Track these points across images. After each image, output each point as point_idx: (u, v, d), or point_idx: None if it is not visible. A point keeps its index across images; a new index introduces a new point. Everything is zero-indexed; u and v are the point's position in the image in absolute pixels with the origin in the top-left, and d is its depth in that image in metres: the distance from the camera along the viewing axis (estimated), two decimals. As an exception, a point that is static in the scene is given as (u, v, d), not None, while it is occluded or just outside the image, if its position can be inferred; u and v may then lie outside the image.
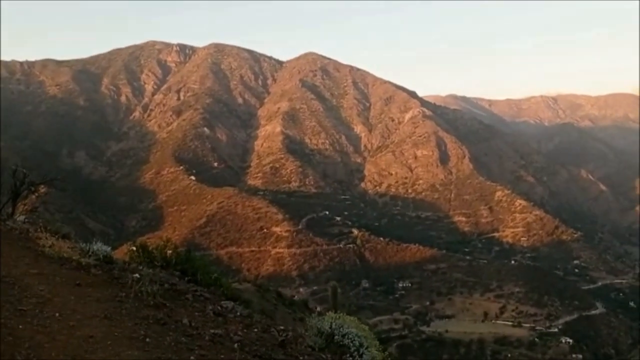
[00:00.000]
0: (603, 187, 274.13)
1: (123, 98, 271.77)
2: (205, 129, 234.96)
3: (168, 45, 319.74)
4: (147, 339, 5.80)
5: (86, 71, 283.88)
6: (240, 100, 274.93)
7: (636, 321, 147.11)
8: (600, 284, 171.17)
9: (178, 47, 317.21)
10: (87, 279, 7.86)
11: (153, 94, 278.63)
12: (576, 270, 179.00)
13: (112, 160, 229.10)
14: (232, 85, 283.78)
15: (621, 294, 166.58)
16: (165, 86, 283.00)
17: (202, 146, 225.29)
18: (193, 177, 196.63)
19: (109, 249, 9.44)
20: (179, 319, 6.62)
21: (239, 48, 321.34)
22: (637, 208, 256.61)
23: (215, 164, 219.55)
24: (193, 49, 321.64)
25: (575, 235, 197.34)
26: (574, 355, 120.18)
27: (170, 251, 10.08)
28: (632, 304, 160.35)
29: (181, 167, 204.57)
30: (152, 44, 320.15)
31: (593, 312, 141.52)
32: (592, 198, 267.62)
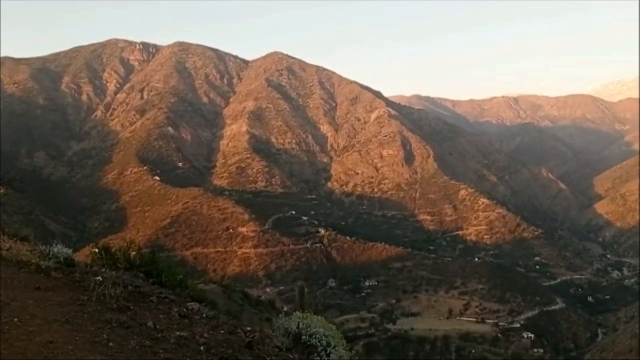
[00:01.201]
0: (562, 186, 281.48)
1: (85, 97, 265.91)
2: (170, 128, 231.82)
3: (131, 43, 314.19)
4: (111, 344, 5.67)
5: (46, 69, 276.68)
6: (205, 99, 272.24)
7: (594, 316, 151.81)
8: (560, 280, 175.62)
9: (141, 46, 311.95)
10: (47, 282, 7.64)
11: (116, 93, 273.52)
12: (537, 267, 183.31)
13: (74, 161, 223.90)
14: (197, 85, 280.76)
15: (580, 290, 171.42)
16: (128, 85, 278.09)
17: (166, 146, 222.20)
18: (157, 178, 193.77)
19: (71, 251, 9.21)
20: (143, 322, 6.50)
21: (204, 47, 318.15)
22: (595, 206, 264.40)
23: (180, 164, 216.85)
24: (157, 48, 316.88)
25: (536, 233, 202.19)
26: (535, 350, 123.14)
27: (134, 253, 9.89)
28: (590, 299, 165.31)
29: (145, 168, 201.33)
30: (114, 42, 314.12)
31: (553, 307, 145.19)
32: (552, 196, 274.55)
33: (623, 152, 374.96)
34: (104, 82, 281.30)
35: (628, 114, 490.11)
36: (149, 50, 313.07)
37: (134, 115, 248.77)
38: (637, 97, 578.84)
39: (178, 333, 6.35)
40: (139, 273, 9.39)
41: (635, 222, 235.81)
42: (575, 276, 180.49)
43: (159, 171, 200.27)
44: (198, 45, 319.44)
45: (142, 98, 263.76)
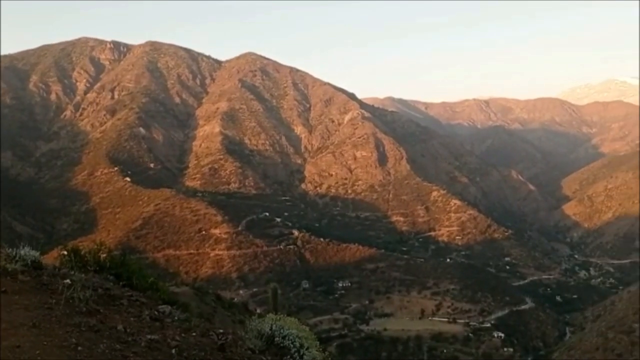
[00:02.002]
0: (532, 187, 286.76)
1: (53, 96, 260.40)
2: (141, 129, 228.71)
3: (101, 42, 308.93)
4: (79, 347, 5.57)
5: (13, 68, 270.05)
6: (177, 99, 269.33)
7: (562, 314, 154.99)
8: (529, 279, 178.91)
9: (112, 45, 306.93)
10: (14, 286, 7.46)
11: (85, 93, 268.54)
12: (507, 267, 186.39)
13: (42, 161, 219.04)
14: (169, 85, 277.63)
15: (548, 289, 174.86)
16: (98, 84, 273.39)
17: (137, 147, 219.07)
18: (128, 179, 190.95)
19: (38, 253, 9.01)
20: (113, 325, 6.40)
21: (176, 47, 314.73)
22: (563, 207, 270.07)
23: (152, 165, 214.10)
24: (128, 47, 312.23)
25: (506, 234, 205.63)
26: (505, 349, 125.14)
27: (103, 255, 9.72)
28: (558, 298, 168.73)
29: (116, 168, 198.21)
30: (84, 41, 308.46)
31: (523, 307, 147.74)
32: (521, 198, 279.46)
33: (590, 155, 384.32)
34: (74, 81, 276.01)
35: (594, 117, 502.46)
36: (120, 49, 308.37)
37: (104, 115, 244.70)
38: (603, 100, 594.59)
39: (149, 336, 6.27)
40: (109, 275, 9.24)
41: (602, 223, 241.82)
42: (543, 276, 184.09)
43: (129, 172, 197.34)
44: (170, 45, 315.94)
45: (112, 98, 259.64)
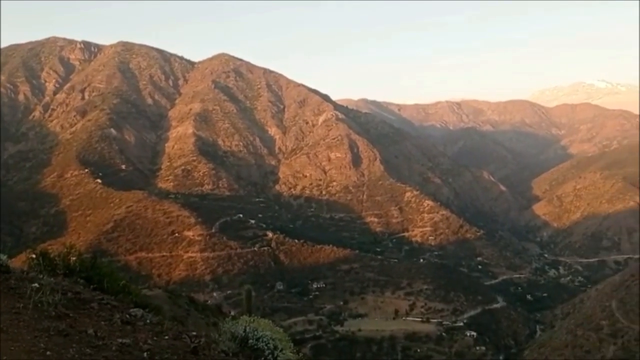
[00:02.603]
0: (503, 188, 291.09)
1: (21, 97, 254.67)
2: (112, 130, 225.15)
3: (71, 42, 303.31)
4: (48, 352, 5.47)
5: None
6: (149, 100, 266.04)
7: (533, 313, 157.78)
8: (500, 279, 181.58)
9: (82, 45, 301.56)
10: (-20, 290, 7.29)
11: (55, 93, 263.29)
12: (479, 267, 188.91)
13: (9, 163, 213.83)
14: (141, 86, 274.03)
15: (519, 288, 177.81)
16: (68, 85, 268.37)
17: (108, 148, 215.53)
18: (99, 181, 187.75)
19: (6, 257, 8.82)
20: (83, 330, 6.30)
21: (148, 47, 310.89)
22: (533, 207, 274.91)
23: (123, 167, 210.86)
24: (99, 47, 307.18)
25: (478, 234, 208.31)
26: (477, 348, 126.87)
27: (73, 258, 9.56)
28: (529, 297, 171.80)
29: (86, 170, 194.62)
30: (53, 41, 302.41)
31: (494, 305, 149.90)
32: (493, 198, 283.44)
33: (559, 156, 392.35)
34: (42, 81, 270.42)
35: (563, 118, 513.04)
36: (91, 49, 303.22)
37: (74, 116, 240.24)
38: (572, 102, 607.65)
39: (120, 340, 6.19)
40: (79, 279, 9.10)
41: (570, 223, 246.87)
42: (514, 275, 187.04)
43: (100, 174, 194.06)
44: (142, 45, 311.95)
45: (82, 98, 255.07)
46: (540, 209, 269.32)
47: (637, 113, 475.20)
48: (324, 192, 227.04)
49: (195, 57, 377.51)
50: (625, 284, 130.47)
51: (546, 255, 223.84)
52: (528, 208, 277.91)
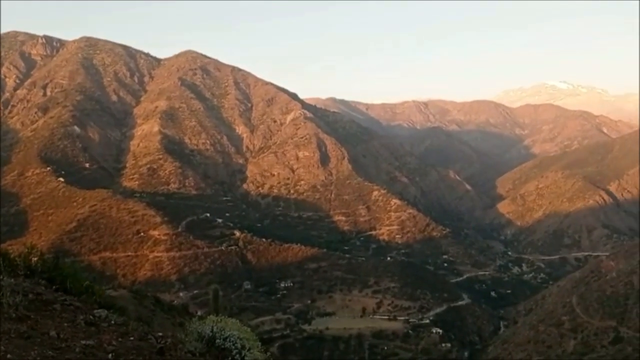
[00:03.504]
0: (468, 187, 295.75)
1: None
2: (76, 127, 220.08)
3: (33, 36, 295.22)
4: (9, 355, 5.33)
5: None
6: (114, 97, 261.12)
7: (497, 309, 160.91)
8: (466, 276, 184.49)
9: (44, 40, 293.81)
10: (-64, 292, 7.05)
11: (15, 89, 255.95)
12: (445, 265, 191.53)
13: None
14: (105, 82, 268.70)
15: (484, 285, 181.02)
16: (29, 81, 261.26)
17: (71, 146, 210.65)
18: (62, 179, 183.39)
19: (-37, 258, 8.55)
20: (45, 332, 6.16)
21: (112, 43, 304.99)
22: (498, 206, 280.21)
23: (87, 165, 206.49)
24: (61, 42, 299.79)
25: (444, 232, 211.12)
26: (443, 345, 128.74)
27: (35, 258, 9.33)
28: (493, 293, 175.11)
29: (48, 168, 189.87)
30: (13, 35, 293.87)
31: (460, 303, 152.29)
32: (458, 197, 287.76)
33: (522, 155, 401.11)
34: (2, 77, 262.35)
35: (526, 119, 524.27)
36: (53, 44, 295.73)
37: (36, 112, 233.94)
38: (535, 103, 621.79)
39: (83, 342, 6.08)
40: (41, 280, 8.88)
41: (533, 221, 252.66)
42: (479, 272, 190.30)
43: (63, 172, 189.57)
44: (106, 41, 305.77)
45: (44, 95, 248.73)
46: (504, 208, 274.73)
47: (597, 114, 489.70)
48: (292, 191, 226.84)
49: (161, 54, 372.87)
50: (585, 280, 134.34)
51: (510, 253, 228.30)
52: (492, 207, 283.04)
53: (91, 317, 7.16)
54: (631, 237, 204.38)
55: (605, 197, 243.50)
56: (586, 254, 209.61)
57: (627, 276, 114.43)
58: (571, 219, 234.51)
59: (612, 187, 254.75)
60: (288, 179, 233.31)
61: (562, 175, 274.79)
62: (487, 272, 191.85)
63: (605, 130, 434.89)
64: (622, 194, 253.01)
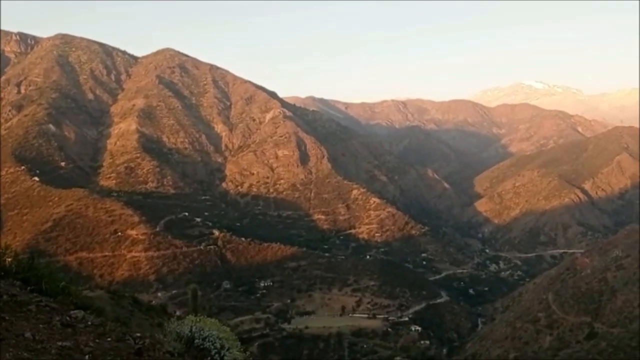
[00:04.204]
0: (446, 185, 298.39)
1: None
2: (51, 125, 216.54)
3: (6, 33, 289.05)
4: (-18, 358, 5.23)
5: None
6: (90, 95, 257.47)
7: (474, 306, 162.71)
8: (444, 274, 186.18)
9: (18, 37, 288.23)
10: None
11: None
12: (424, 263, 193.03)
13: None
14: (81, 80, 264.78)
15: (462, 283, 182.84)
16: (3, 78, 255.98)
17: (47, 144, 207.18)
18: (37, 178, 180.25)
19: None
20: (20, 333, 6.06)
21: (88, 40, 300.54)
22: (475, 204, 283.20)
23: (63, 164, 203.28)
24: (36, 39, 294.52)
25: (423, 230, 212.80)
26: (422, 342, 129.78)
27: (9, 259, 9.16)
28: (471, 291, 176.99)
29: (23, 167, 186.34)
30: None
31: (438, 300, 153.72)
32: (437, 195, 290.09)
33: (499, 154, 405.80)
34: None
35: (503, 118, 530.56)
36: (27, 41, 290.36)
37: (10, 110, 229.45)
38: (511, 103, 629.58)
39: (60, 343, 6.00)
40: (15, 281, 8.73)
41: (510, 219, 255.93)
42: (457, 270, 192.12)
43: (38, 171, 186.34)
44: (82, 38, 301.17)
45: (18, 92, 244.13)
46: (481, 206, 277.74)
47: (572, 114, 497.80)
48: (271, 190, 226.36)
49: (139, 52, 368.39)
50: (560, 277, 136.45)
51: (487, 251, 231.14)
52: (470, 205, 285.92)
53: (67, 318, 7.06)
54: (605, 234, 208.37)
55: (580, 195, 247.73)
56: (562, 251, 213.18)
57: (601, 273, 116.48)
58: (547, 217, 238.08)
59: (587, 186, 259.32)
60: (267, 177, 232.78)
61: (538, 174, 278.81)
62: (465, 270, 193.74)
63: (580, 130, 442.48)
64: (596, 192, 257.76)
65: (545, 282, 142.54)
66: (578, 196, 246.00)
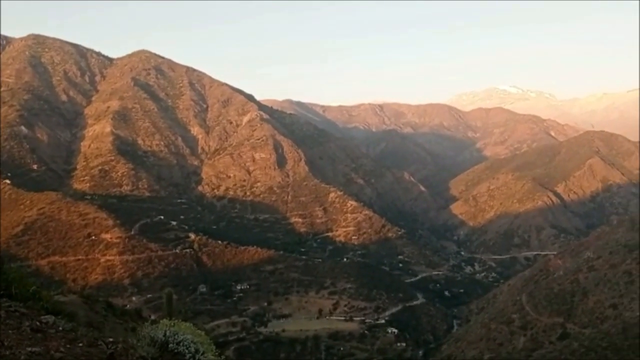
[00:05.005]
0: (422, 188, 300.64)
1: None
2: (23, 127, 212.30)
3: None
4: (-52, 365, 5.11)
5: None
6: (64, 97, 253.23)
7: (450, 308, 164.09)
8: (420, 276, 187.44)
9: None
10: None
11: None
12: (400, 265, 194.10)
13: None
14: (54, 81, 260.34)
15: (438, 285, 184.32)
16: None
17: (19, 147, 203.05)
18: (8, 181, 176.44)
19: None
20: (-12, 339, 5.93)
21: (62, 41, 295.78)
22: (451, 207, 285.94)
23: (35, 167, 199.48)
24: (8, 40, 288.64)
25: (399, 233, 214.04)
26: (398, 344, 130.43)
27: (-23, 264, 8.96)
28: (447, 293, 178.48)
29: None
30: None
31: (415, 302, 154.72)
32: (413, 198, 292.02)
33: (474, 157, 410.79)
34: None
35: (478, 122, 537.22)
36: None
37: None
38: (486, 107, 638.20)
39: (29, 349, 5.88)
40: (-16, 286, 8.55)
41: (485, 221, 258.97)
42: (433, 272, 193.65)
43: (9, 174, 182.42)
44: (55, 39, 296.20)
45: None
46: (457, 209, 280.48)
47: (545, 118, 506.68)
48: (248, 193, 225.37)
49: (114, 54, 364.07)
50: (534, 278, 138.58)
51: (462, 253, 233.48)
52: (446, 208, 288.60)
53: (38, 323, 6.94)
54: (577, 236, 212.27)
55: (553, 198, 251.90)
56: (535, 253, 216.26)
57: (573, 274, 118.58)
58: (521, 220, 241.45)
59: (560, 189, 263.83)
60: (244, 180, 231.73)
61: (512, 177, 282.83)
62: (440, 272, 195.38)
63: (552, 134, 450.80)
64: (568, 195, 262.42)
65: (519, 284, 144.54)
66: (551, 199, 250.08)
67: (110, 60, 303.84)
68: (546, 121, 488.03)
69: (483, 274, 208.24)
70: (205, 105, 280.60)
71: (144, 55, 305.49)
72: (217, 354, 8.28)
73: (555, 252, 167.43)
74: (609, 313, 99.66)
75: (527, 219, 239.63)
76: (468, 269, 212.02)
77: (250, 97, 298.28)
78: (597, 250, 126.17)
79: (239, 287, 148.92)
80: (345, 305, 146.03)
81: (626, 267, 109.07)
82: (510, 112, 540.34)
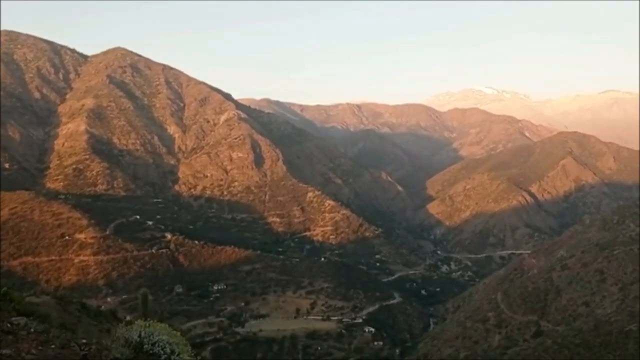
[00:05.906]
0: (399, 188, 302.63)
1: None
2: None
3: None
4: None
5: None
6: (37, 95, 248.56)
7: (426, 307, 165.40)
8: (397, 275, 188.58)
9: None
10: None
11: None
12: (377, 264, 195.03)
13: None
14: (27, 78, 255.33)
15: (414, 284, 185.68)
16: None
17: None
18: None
19: None
20: (-43, 342, 5.80)
21: (35, 38, 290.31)
22: (428, 206, 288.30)
23: (7, 165, 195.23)
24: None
25: (377, 232, 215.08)
26: (375, 343, 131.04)
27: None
28: (423, 292, 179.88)
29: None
30: None
31: (392, 301, 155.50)
32: (390, 198, 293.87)
33: (450, 157, 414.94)
34: None
35: (454, 122, 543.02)
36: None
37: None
38: (462, 107, 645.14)
39: (0, 351, 5.77)
40: (-47, 287, 8.36)
41: (461, 221, 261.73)
42: (410, 271, 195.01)
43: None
44: (28, 36, 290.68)
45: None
46: (433, 208, 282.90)
47: (520, 118, 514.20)
48: (225, 193, 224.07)
49: (89, 51, 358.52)
50: (509, 277, 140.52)
51: (439, 252, 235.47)
52: (422, 207, 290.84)
53: (8, 325, 6.81)
54: (551, 235, 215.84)
55: (528, 197, 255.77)
56: (510, 252, 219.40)
57: (547, 273, 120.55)
58: (496, 219, 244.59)
59: (534, 189, 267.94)
60: (221, 180, 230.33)
61: (487, 177, 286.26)
62: (417, 271, 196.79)
63: (527, 134, 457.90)
64: (542, 195, 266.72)
65: (494, 283, 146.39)
66: (525, 199, 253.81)
67: (85, 57, 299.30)
68: (521, 122, 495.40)
69: (459, 273, 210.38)
70: (182, 104, 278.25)
71: (119, 53, 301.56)
72: (193, 354, 8.23)
73: (529, 251, 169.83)
74: (582, 311, 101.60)
75: (502, 219, 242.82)
76: (444, 268, 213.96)
77: (227, 96, 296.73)
78: (570, 249, 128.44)
79: (215, 288, 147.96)
80: (323, 305, 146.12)
81: (598, 265, 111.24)
82: (485, 113, 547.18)
